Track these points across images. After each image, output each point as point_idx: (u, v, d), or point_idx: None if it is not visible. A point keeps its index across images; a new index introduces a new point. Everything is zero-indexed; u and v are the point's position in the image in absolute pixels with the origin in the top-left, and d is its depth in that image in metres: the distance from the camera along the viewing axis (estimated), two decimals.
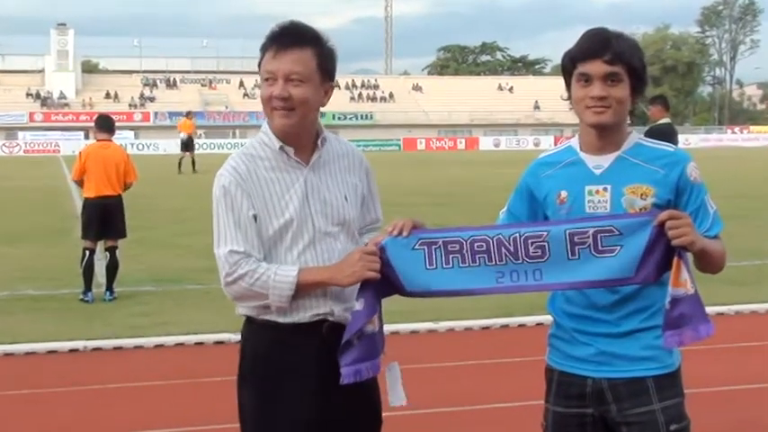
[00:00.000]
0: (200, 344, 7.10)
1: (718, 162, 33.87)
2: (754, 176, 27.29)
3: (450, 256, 2.53)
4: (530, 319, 7.48)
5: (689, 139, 65.19)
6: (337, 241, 2.70)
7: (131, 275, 9.73)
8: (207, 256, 13.17)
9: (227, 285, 2.65)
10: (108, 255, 8.97)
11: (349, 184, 2.77)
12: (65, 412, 5.57)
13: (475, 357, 6.69)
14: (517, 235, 2.50)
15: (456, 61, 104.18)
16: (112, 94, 72.54)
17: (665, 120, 10.94)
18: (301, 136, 2.69)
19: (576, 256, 2.46)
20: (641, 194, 2.52)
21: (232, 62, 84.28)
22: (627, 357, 2.55)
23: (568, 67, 2.59)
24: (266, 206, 2.65)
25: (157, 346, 7.04)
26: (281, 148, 2.67)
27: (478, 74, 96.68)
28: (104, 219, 8.88)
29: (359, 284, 2.57)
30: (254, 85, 76.66)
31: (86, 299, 8.65)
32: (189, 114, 33.85)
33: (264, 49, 2.66)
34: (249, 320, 2.75)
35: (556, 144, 3.25)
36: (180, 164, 30.75)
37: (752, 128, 77.41)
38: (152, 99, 73.06)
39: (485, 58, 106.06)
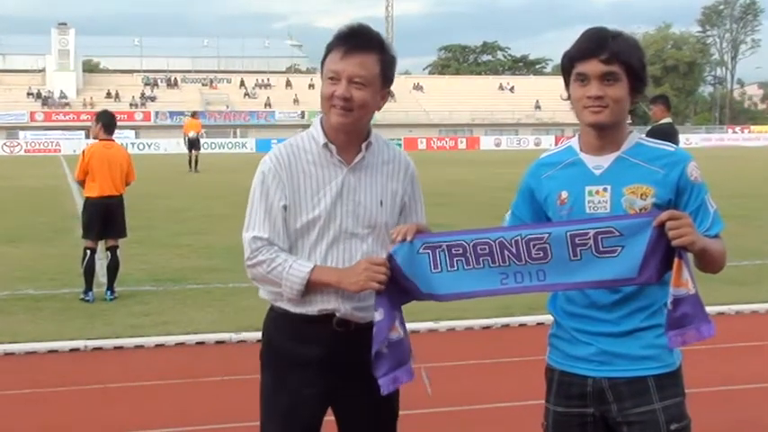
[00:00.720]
0: (200, 344, 7.09)
1: (719, 162, 33.87)
2: (755, 176, 27.28)
3: (455, 259, 2.54)
4: (530, 319, 7.48)
5: (690, 139, 65.18)
6: (364, 243, 2.73)
7: (132, 275, 9.74)
8: (208, 255, 13.14)
9: (248, 267, 2.76)
10: (109, 254, 8.97)
11: (388, 190, 2.79)
12: (65, 412, 5.57)
13: (475, 357, 6.69)
14: (519, 237, 2.50)
15: (457, 61, 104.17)
16: (113, 93, 72.54)
17: (667, 119, 10.93)
18: (350, 136, 2.74)
19: (578, 257, 2.46)
20: (641, 195, 2.51)
21: (233, 62, 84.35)
22: (627, 357, 2.55)
23: (567, 66, 2.59)
24: (299, 198, 2.71)
25: (158, 346, 7.04)
26: (325, 144, 2.73)
27: (479, 73, 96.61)
28: (106, 218, 8.89)
29: (374, 292, 2.60)
30: (255, 85, 76.75)
31: (87, 298, 8.65)
32: (195, 114, 34.50)
33: (331, 48, 2.71)
34: (270, 308, 2.85)
35: (557, 144, 3.24)
36: (190, 163, 31.57)
37: (753, 127, 77.39)
38: (153, 99, 73.04)
39: (486, 57, 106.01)
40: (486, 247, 2.52)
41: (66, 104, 70.19)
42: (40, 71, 74.16)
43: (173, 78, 77.29)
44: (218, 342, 7.07)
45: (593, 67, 2.51)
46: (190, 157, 31.86)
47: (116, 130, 9.37)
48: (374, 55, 2.69)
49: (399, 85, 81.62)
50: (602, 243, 2.44)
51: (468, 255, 2.53)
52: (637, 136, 2.63)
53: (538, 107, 78.25)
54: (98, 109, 10.48)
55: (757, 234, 12.98)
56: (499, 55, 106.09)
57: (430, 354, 6.64)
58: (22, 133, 62.61)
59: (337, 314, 2.71)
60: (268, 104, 71.54)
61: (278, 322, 2.80)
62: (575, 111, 2.60)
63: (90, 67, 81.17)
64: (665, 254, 2.40)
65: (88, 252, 8.79)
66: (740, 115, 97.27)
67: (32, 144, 59.28)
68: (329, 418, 2.86)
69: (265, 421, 2.84)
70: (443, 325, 7.47)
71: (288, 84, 78.09)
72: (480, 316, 7.64)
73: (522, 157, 32.52)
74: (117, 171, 8.96)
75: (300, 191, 2.71)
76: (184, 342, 7.12)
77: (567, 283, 2.50)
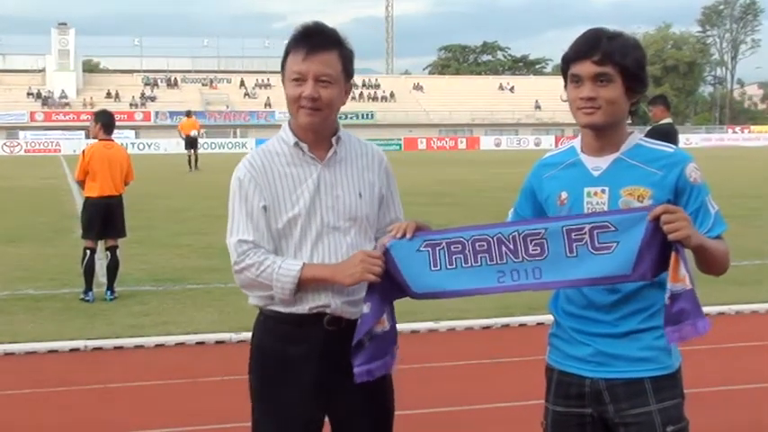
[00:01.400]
0: (200, 344, 7.10)
1: (719, 162, 33.87)
2: (755, 176, 27.26)
3: (454, 256, 2.55)
4: (530, 319, 7.48)
5: (690, 139, 65.21)
6: (347, 236, 2.74)
7: (132, 275, 9.74)
8: (207, 255, 13.13)
9: (235, 273, 2.74)
10: (109, 254, 8.97)
11: (365, 182, 2.81)
12: (65, 412, 5.57)
13: (475, 357, 6.69)
14: (516, 233, 2.51)
15: (457, 61, 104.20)
16: (113, 93, 72.56)
17: (667, 120, 10.93)
18: (319, 133, 2.75)
19: (575, 254, 2.46)
20: (638, 196, 2.51)
21: (233, 62, 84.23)
22: (625, 358, 2.55)
23: (564, 68, 2.59)
24: (277, 199, 2.71)
25: (158, 346, 7.04)
26: (295, 144, 2.75)
27: (479, 73, 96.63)
28: (106, 218, 8.89)
29: (366, 284, 2.60)
30: (255, 85, 76.74)
31: (87, 298, 8.66)
32: (189, 113, 34.49)
33: (290, 49, 2.72)
34: (259, 312, 2.84)
35: (557, 144, 3.24)
36: (189, 162, 31.75)
37: (753, 127, 77.39)
38: (153, 99, 73.06)
39: (486, 57, 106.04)
40: (485, 243, 2.52)
41: (66, 104, 70.19)
42: (40, 71, 74.15)
43: (173, 78, 77.30)
44: (218, 342, 7.08)
45: (586, 68, 2.51)
46: (189, 157, 32.03)
47: (116, 131, 9.38)
48: (335, 51, 2.71)
49: (399, 84, 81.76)
50: (597, 238, 2.44)
51: (466, 252, 2.53)
52: (637, 137, 2.62)
53: (538, 107, 78.25)
54: (98, 109, 10.44)
55: (757, 234, 12.97)
56: (499, 55, 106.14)
57: (430, 354, 6.65)
58: (22, 133, 62.63)
59: (328, 310, 2.71)
60: (268, 104, 71.53)
61: (268, 324, 2.79)
62: (571, 112, 2.60)
63: (90, 67, 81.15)
64: (660, 250, 2.39)
65: (88, 252, 8.79)
66: (740, 115, 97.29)
67: (32, 144, 59.30)
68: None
69: (261, 424, 2.82)
70: (443, 325, 7.47)
71: None
72: (480, 316, 7.65)
73: (522, 157, 32.53)
74: (117, 171, 8.98)
75: (278, 191, 2.72)
76: (184, 342, 7.12)
77: (562, 280, 2.50)
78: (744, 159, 40.49)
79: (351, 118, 67.50)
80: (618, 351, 2.55)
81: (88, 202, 8.99)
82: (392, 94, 78.97)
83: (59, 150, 55.55)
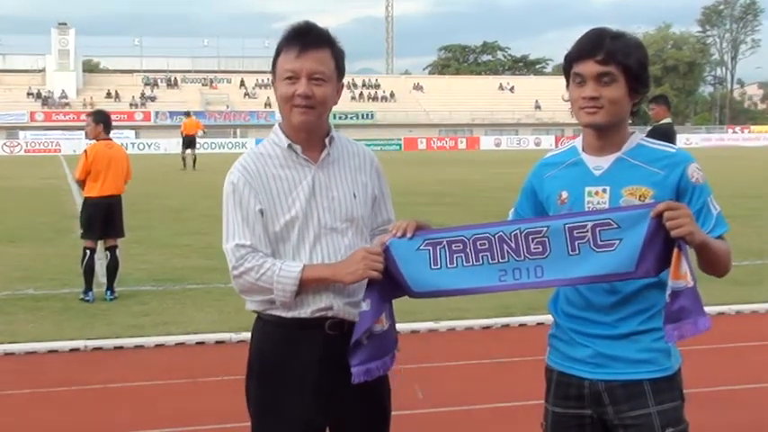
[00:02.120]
0: (200, 343, 7.10)
1: (719, 162, 33.86)
2: (755, 176, 27.26)
3: (455, 255, 2.54)
4: (530, 319, 7.48)
5: (690, 139, 65.22)
6: (345, 237, 2.73)
7: (132, 275, 9.74)
8: (207, 255, 13.14)
9: (234, 278, 2.70)
10: (108, 254, 8.98)
11: (359, 183, 2.80)
12: (65, 412, 5.57)
13: (475, 357, 6.69)
14: (518, 231, 2.50)
15: (457, 61, 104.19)
16: (113, 93, 72.56)
17: (667, 120, 10.94)
18: (312, 134, 2.74)
19: (577, 252, 2.45)
20: (639, 196, 2.50)
21: (233, 62, 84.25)
22: (624, 360, 2.54)
23: (566, 68, 2.59)
24: (273, 202, 2.69)
25: (158, 346, 7.04)
26: (289, 146, 2.73)
27: (479, 73, 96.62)
28: (107, 218, 8.91)
29: (365, 282, 2.59)
30: (255, 85, 76.71)
31: (87, 298, 8.66)
32: (190, 114, 34.64)
33: (281, 48, 2.70)
34: (258, 317, 2.81)
35: (557, 144, 3.24)
36: (185, 161, 31.93)
37: (753, 127, 77.39)
38: (153, 98, 73.05)
39: (486, 57, 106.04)
40: (486, 242, 2.51)
41: (67, 104, 70.18)
42: (40, 71, 74.13)
43: (173, 78, 77.30)
44: (218, 342, 7.08)
45: (588, 67, 2.50)
46: (185, 157, 32.18)
47: (116, 131, 9.40)
48: (328, 50, 2.70)
49: (399, 84, 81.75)
50: (600, 236, 2.43)
51: (467, 250, 2.53)
52: (638, 137, 2.62)
53: (538, 107, 78.25)
54: (94, 110, 10.44)
55: (757, 234, 12.96)
56: (499, 55, 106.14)
57: (430, 354, 6.65)
58: (22, 133, 62.63)
59: (330, 313, 2.69)
60: (268, 104, 71.49)
61: (267, 329, 2.76)
62: (573, 112, 2.59)
63: (90, 67, 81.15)
64: (663, 246, 2.37)
65: (88, 252, 8.80)
66: (740, 115, 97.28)
67: (32, 144, 59.30)
68: None
69: (261, 430, 2.79)
70: (443, 325, 7.47)
71: None
72: (480, 316, 7.65)
73: (522, 157, 32.54)
74: (119, 171, 9.01)
75: (273, 194, 2.69)
76: (184, 342, 7.12)
77: (564, 278, 2.48)
78: (744, 159, 40.48)
79: (351, 118, 67.55)
80: (617, 353, 2.54)
81: (88, 202, 8.99)
82: (392, 94, 78.96)
83: (59, 150, 55.54)
